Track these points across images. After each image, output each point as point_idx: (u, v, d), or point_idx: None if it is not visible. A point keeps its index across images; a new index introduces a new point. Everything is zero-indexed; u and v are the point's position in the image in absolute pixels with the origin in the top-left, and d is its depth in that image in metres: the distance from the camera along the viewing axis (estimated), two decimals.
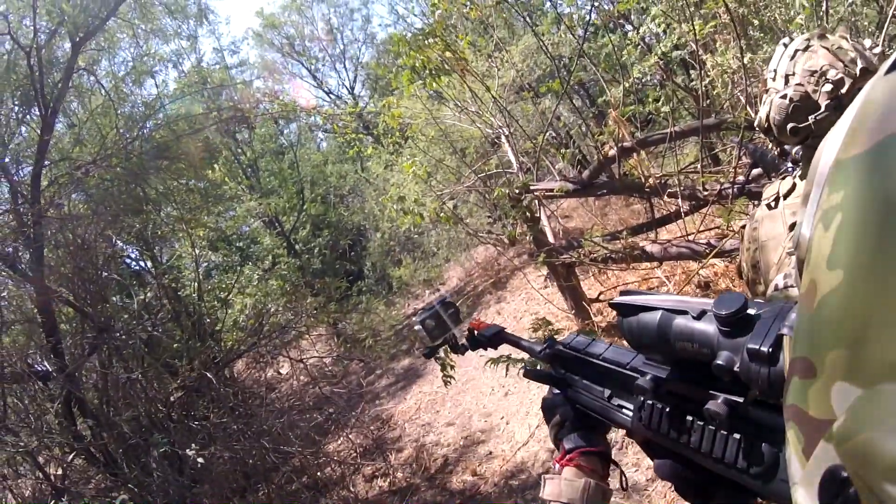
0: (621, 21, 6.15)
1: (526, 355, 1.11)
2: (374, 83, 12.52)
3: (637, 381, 0.76)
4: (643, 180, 3.76)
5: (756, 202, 2.22)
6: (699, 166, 3.64)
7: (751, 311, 0.66)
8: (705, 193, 3.52)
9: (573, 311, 4.41)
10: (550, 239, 4.47)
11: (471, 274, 8.34)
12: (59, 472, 4.77)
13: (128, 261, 7.16)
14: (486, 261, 8.28)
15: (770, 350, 0.63)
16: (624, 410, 0.83)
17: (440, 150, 5.78)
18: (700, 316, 0.71)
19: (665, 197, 3.70)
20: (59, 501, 4.67)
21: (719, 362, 0.65)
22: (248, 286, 7.51)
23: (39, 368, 5.06)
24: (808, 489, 0.42)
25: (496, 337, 1.13)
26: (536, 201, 4.40)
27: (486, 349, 1.15)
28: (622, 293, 0.79)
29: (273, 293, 7.41)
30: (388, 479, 4.54)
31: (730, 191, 3.45)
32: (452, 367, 3.68)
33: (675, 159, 3.82)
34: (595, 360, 0.87)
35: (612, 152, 3.80)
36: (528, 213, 4.21)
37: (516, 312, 6.08)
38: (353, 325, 6.95)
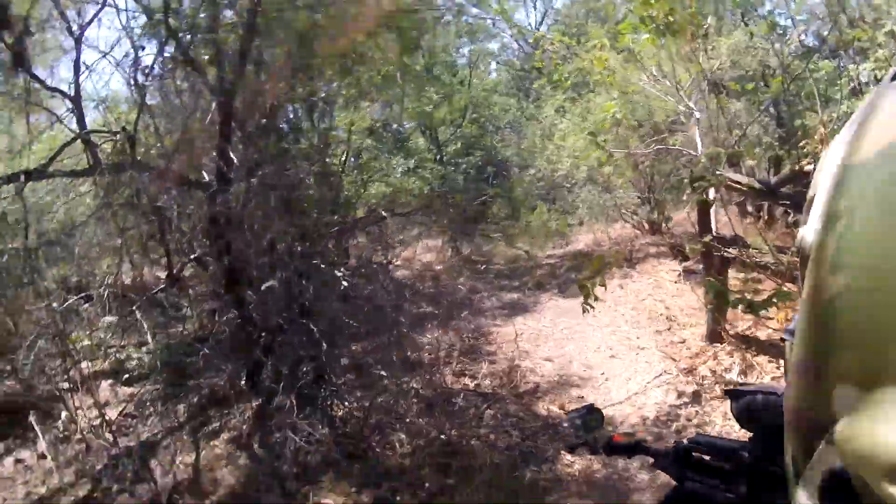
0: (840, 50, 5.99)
1: None
2: (564, 27, 12.53)
3: (744, 454, 0.96)
4: None
5: None
6: None
7: None
8: None
9: (709, 307, 4.55)
10: (714, 229, 4.59)
11: (600, 244, 8.50)
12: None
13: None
14: (619, 238, 8.42)
15: None
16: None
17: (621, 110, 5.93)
18: (782, 393, 0.82)
19: None
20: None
21: None
22: (389, 176, 7.88)
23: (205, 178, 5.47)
24: (809, 489, 0.45)
25: (634, 447, 1.24)
26: (713, 190, 4.50)
27: (620, 456, 1.28)
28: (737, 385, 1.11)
29: (411, 190, 7.77)
30: (476, 382, 4.86)
31: None
32: (596, 298, 3.87)
33: None
34: (710, 448, 1.04)
35: (809, 167, 3.87)
36: (705, 196, 4.34)
37: (639, 292, 6.25)
38: (472, 246, 7.26)
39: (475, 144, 9.88)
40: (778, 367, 4.17)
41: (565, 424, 1.36)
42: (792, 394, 0.52)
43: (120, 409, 4.98)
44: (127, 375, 5.48)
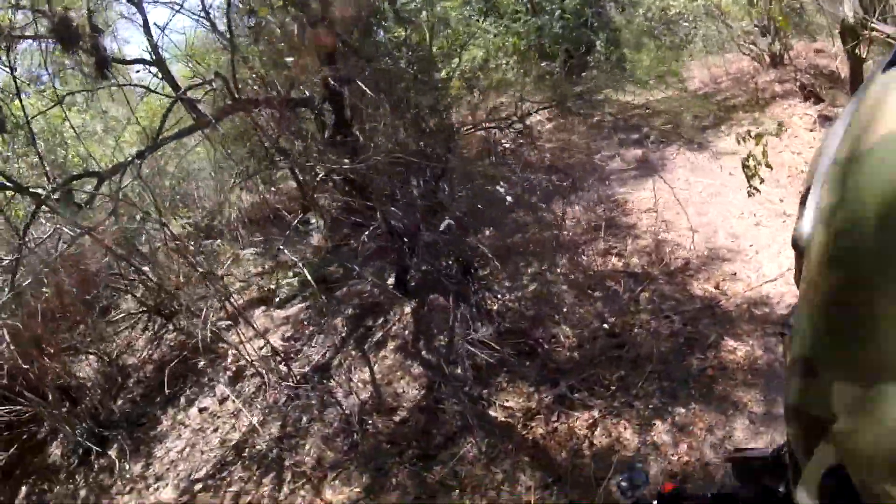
0: None
1: None
2: None
3: None
4: None
5: None
6: None
7: None
8: None
9: None
10: None
11: (717, 81, 8.00)
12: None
13: None
14: (738, 72, 7.88)
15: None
16: None
17: None
18: (772, 456, 0.90)
19: None
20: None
21: (780, 489, 0.85)
22: (482, 38, 7.46)
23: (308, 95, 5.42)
24: (809, 489, 0.45)
25: (676, 496, 1.19)
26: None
27: None
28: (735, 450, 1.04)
29: (507, 49, 7.40)
30: (624, 261, 5.01)
31: None
32: (762, 181, 3.86)
33: None
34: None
35: None
36: (857, 55, 4.05)
37: (774, 144, 5.96)
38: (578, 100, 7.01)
39: None
40: None
41: (614, 488, 1.36)
42: (791, 391, 0.51)
43: (280, 334, 5.34)
44: (278, 299, 5.92)
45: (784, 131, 5.17)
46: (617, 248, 5.25)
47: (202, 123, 4.92)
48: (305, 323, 5.51)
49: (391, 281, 5.50)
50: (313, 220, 6.57)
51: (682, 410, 3.83)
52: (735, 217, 5.19)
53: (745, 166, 3.95)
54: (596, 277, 5.05)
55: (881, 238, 0.39)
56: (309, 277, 4.96)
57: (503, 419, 4.11)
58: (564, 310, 4.83)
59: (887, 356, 0.38)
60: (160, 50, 4.91)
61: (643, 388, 4.05)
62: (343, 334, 5.31)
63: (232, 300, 5.30)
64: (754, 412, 3.69)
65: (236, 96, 4.80)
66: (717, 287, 4.61)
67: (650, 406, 3.92)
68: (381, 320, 5.37)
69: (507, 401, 4.29)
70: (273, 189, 6.72)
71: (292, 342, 5.38)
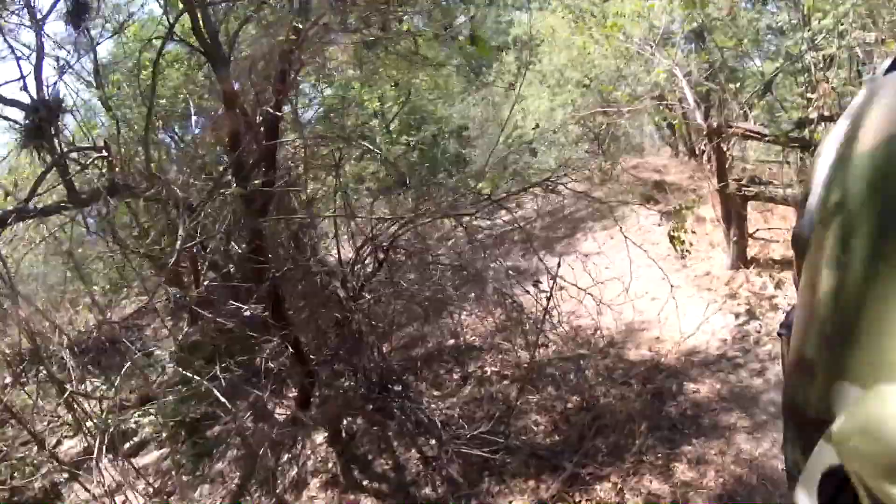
0: None
1: None
2: None
3: None
4: None
5: None
6: None
7: None
8: None
9: (735, 239, 5.55)
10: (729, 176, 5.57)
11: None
12: None
13: None
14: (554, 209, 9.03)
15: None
16: None
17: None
18: None
19: None
20: None
21: None
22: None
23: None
24: (808, 489, 0.47)
25: None
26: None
27: None
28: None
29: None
30: (554, 348, 5.36)
31: None
32: (692, 244, 4.61)
33: None
34: None
35: (813, 115, 4.96)
36: (720, 147, 5.27)
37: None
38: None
39: (424, 119, 9.55)
40: None
41: None
42: (790, 390, 0.52)
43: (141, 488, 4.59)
44: (127, 445, 5.12)
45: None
46: (542, 341, 5.53)
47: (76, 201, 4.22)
48: (173, 473, 4.77)
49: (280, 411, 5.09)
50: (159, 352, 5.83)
51: (689, 447, 4.13)
52: (634, 296, 5.86)
53: (672, 238, 4.70)
54: (538, 369, 5.23)
55: (881, 238, 0.40)
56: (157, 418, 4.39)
57: None
58: (519, 402, 4.90)
59: (886, 356, 0.39)
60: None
61: (643, 443, 4.25)
62: (237, 481, 4.69)
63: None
64: (745, 426, 4.17)
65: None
66: (650, 349, 5.15)
67: (659, 455, 4.14)
68: (286, 457, 4.88)
69: (514, 501, 4.13)
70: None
71: (164, 496, 4.58)
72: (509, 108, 6.69)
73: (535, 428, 4.70)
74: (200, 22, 3.67)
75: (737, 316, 5.23)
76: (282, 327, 4.40)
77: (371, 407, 5.19)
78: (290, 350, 4.60)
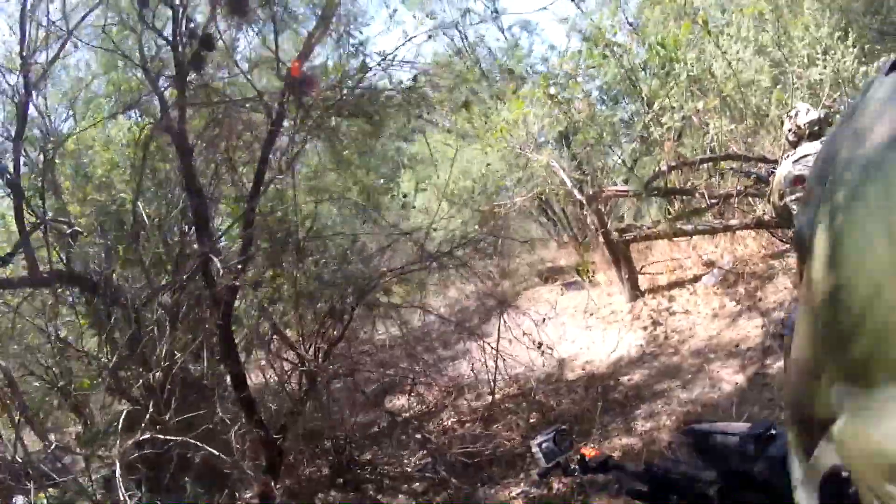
0: None
1: None
2: None
3: (709, 492, 1.09)
4: (682, 186, 6.60)
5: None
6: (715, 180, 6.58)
7: (773, 431, 1.00)
8: (719, 194, 6.41)
9: (626, 276, 6.82)
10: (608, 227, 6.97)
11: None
12: None
13: None
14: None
15: (782, 456, 0.83)
16: None
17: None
18: (744, 437, 1.05)
19: (696, 195, 6.52)
20: None
21: (756, 470, 0.98)
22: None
23: None
24: (809, 489, 0.48)
25: (605, 463, 1.38)
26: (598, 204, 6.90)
27: (595, 474, 1.39)
28: (693, 423, 1.34)
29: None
30: (501, 393, 6.08)
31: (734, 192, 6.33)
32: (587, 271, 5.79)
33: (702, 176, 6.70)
34: (681, 477, 1.19)
35: (664, 168, 6.59)
36: (599, 209, 6.72)
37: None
38: None
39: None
40: (689, 294, 6.56)
41: (534, 450, 1.42)
42: (791, 391, 0.54)
43: None
44: None
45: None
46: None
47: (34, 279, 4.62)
48: None
49: None
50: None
51: (639, 411, 5.11)
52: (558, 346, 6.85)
53: (579, 271, 5.90)
54: (492, 409, 5.87)
55: (883, 238, 0.41)
56: None
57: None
58: (487, 430, 5.52)
59: (888, 357, 0.40)
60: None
61: (601, 418, 5.04)
62: None
63: None
64: (677, 384, 5.19)
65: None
66: (583, 369, 6.10)
67: (617, 422, 5.06)
68: None
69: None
70: None
71: None
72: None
73: (507, 442, 5.30)
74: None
75: (644, 328, 6.38)
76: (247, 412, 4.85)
77: (341, 480, 5.54)
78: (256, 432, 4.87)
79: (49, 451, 5.13)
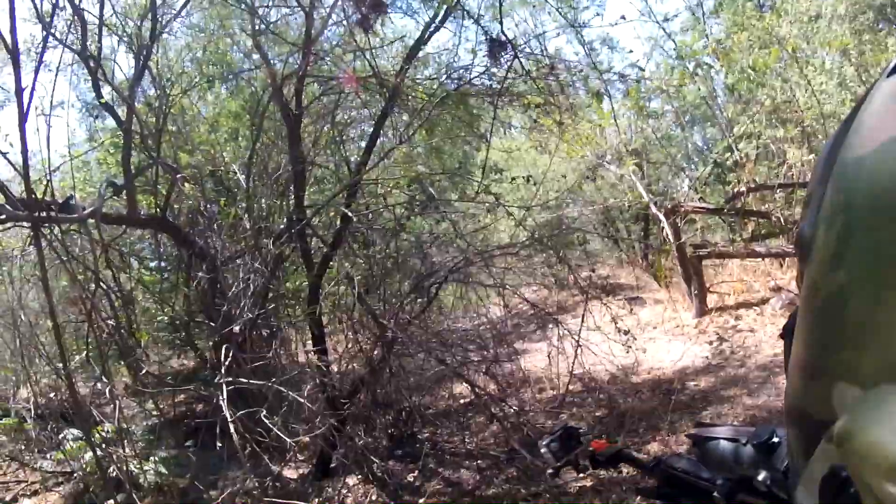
0: None
1: None
2: None
3: (714, 494, 1.05)
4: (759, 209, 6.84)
5: None
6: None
7: (776, 439, 0.97)
8: (794, 220, 6.63)
9: (696, 293, 7.06)
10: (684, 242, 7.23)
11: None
12: None
13: None
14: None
15: (785, 467, 0.86)
16: None
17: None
18: (746, 443, 1.03)
19: (772, 219, 6.77)
20: None
21: (759, 479, 0.96)
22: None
23: None
24: (809, 489, 0.48)
25: (615, 457, 1.35)
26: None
27: (606, 469, 1.39)
28: (696, 425, 1.26)
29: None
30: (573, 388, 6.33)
31: None
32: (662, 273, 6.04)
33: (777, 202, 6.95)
34: (690, 476, 1.15)
35: (742, 189, 6.85)
36: (675, 223, 6.99)
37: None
38: None
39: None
40: (756, 315, 6.79)
41: (543, 450, 1.42)
42: (792, 391, 0.54)
43: None
44: None
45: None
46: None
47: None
48: None
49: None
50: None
51: (706, 412, 5.33)
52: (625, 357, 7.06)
53: (655, 276, 6.15)
54: (562, 400, 6.12)
55: (883, 240, 0.41)
56: None
57: None
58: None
59: (887, 357, 0.40)
60: None
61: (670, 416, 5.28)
62: None
63: None
64: (744, 391, 5.46)
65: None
66: (649, 374, 6.34)
67: (685, 421, 5.24)
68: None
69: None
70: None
71: None
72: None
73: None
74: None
75: (710, 342, 6.61)
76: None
77: (400, 452, 5.78)
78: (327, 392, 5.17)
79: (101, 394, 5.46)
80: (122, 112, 5.08)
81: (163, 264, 7.51)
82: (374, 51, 6.27)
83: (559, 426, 1.46)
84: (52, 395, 6.12)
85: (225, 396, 4.09)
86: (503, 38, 4.38)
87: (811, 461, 0.48)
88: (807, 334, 0.50)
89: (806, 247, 0.51)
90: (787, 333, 0.65)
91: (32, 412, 5.68)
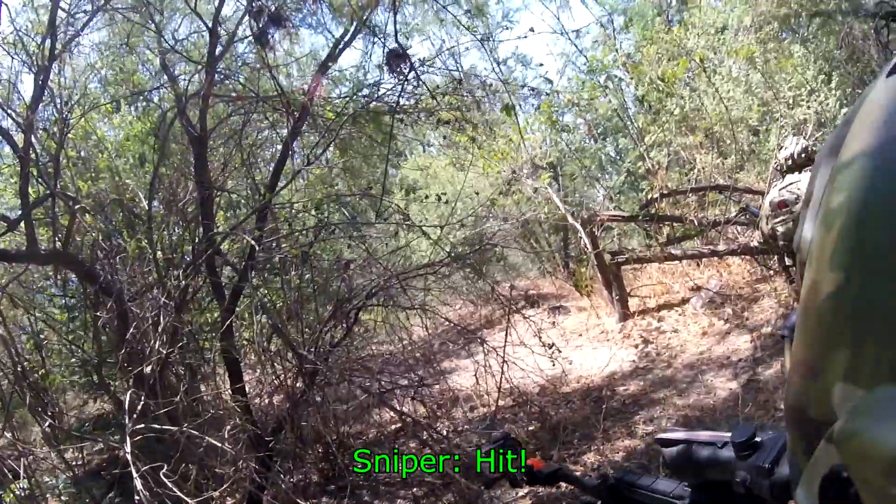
0: None
1: None
2: None
3: None
4: (673, 214, 6.97)
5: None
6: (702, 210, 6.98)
7: (758, 439, 0.92)
8: (707, 221, 6.79)
9: (617, 298, 7.09)
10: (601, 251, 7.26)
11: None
12: None
13: None
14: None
15: (770, 466, 0.82)
16: None
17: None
18: (723, 446, 0.98)
19: (686, 223, 6.90)
20: None
21: (737, 480, 0.91)
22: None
23: None
24: (809, 489, 0.48)
25: (553, 475, 1.29)
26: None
27: (543, 486, 1.36)
28: (665, 431, 1.21)
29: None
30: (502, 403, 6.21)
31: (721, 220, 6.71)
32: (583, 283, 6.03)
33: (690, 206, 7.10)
34: (645, 492, 1.10)
35: (656, 195, 6.96)
36: (592, 232, 7.02)
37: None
38: None
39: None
40: (678, 315, 6.86)
41: (483, 462, 1.36)
42: (792, 391, 0.54)
43: None
44: None
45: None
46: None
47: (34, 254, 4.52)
48: None
49: None
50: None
51: (639, 416, 5.30)
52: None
53: (576, 285, 6.14)
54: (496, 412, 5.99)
55: (882, 239, 0.41)
56: None
57: None
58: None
59: (887, 357, 0.40)
60: None
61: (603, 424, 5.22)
62: None
63: None
64: (673, 393, 5.42)
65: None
66: (578, 382, 6.28)
67: (618, 427, 5.22)
68: None
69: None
70: None
71: None
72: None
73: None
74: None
75: (636, 346, 6.64)
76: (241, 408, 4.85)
77: (333, 487, 5.53)
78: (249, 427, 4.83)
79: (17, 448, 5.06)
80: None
81: (72, 301, 7.03)
82: (286, 68, 6.12)
83: (499, 437, 1.37)
84: None
85: (129, 448, 3.71)
86: (400, 49, 4.22)
87: (811, 461, 0.47)
88: (807, 334, 0.49)
89: (805, 247, 0.52)
90: (787, 332, 0.64)
91: None
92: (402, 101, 5.57)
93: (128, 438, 3.91)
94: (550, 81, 7.26)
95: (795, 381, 0.52)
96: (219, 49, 4.76)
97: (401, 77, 4.36)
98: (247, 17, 4.24)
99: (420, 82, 4.96)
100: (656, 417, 5.09)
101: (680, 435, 1.10)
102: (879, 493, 0.38)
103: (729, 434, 0.99)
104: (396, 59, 4.20)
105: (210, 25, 4.53)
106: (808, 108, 6.44)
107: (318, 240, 5.78)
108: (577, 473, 1.33)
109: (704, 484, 1.03)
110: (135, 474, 3.70)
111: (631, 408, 5.44)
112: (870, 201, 0.43)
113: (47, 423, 5.23)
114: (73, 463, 5.55)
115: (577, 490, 1.28)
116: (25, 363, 6.22)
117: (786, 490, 0.82)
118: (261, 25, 3.99)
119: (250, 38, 4.26)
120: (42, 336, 6.44)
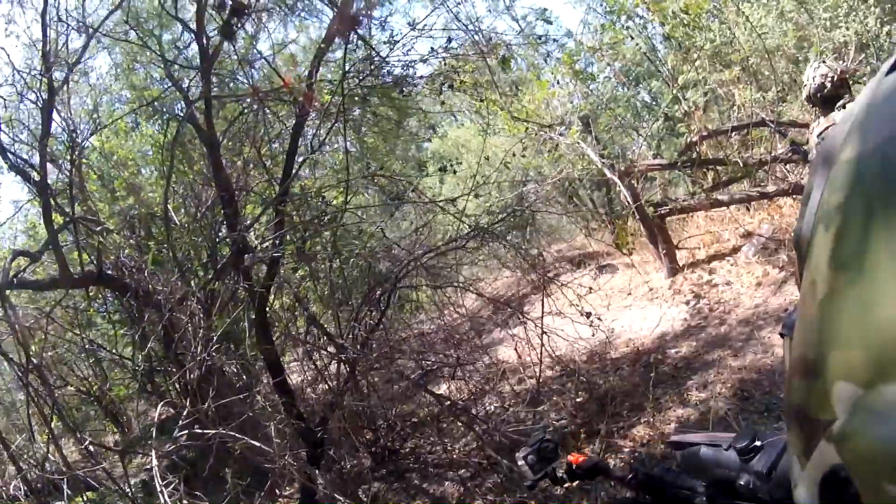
0: None
1: None
2: None
3: (695, 501, 1.08)
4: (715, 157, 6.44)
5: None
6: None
7: (758, 443, 1.00)
8: (753, 161, 6.22)
9: (664, 252, 6.66)
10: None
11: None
12: None
13: None
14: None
15: (768, 470, 0.89)
16: None
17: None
18: (728, 448, 1.04)
19: (729, 165, 6.36)
20: None
21: (741, 482, 0.98)
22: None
23: None
24: (809, 488, 0.48)
25: (593, 469, 1.33)
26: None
27: (583, 480, 1.34)
28: (676, 432, 1.91)
29: None
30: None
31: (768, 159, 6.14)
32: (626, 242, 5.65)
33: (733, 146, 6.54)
34: (669, 486, 1.17)
35: (695, 139, 6.44)
36: (632, 185, 6.57)
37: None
38: None
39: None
40: (731, 265, 6.39)
41: (519, 464, 1.38)
42: (792, 391, 0.54)
43: None
44: None
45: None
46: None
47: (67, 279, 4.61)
48: None
49: None
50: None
51: (691, 381, 4.93)
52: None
53: (617, 245, 5.76)
54: (538, 391, 5.74)
55: (882, 239, 0.41)
56: None
57: None
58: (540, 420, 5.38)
59: (886, 357, 0.40)
60: None
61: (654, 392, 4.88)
62: None
63: None
64: (728, 353, 5.05)
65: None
66: (627, 347, 5.94)
67: (670, 395, 4.86)
68: None
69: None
70: None
71: None
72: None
73: (555, 422, 5.16)
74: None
75: (687, 302, 6.20)
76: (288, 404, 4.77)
77: (384, 471, 5.44)
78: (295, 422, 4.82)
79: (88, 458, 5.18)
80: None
81: (115, 317, 7.19)
82: (295, 56, 5.90)
83: (535, 438, 1.40)
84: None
85: (155, 462, 3.65)
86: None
87: (811, 460, 0.47)
88: (807, 333, 0.49)
89: (805, 246, 0.52)
90: (787, 331, 0.63)
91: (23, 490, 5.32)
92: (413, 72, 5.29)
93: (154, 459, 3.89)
94: (571, 33, 6.79)
95: (795, 381, 0.52)
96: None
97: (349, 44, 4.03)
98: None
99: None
100: (710, 382, 4.72)
101: (690, 437, 1.20)
102: (879, 492, 0.37)
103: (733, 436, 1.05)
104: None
105: (195, 28, 4.35)
106: (847, 28, 5.78)
107: (338, 224, 5.61)
108: (616, 464, 1.53)
109: (715, 482, 1.09)
110: (159, 487, 3.67)
111: (683, 372, 5.09)
112: (869, 200, 0.42)
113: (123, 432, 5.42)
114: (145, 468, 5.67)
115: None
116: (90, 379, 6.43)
117: (785, 493, 0.78)
118: (224, 18, 3.73)
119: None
120: (99, 352, 6.62)
